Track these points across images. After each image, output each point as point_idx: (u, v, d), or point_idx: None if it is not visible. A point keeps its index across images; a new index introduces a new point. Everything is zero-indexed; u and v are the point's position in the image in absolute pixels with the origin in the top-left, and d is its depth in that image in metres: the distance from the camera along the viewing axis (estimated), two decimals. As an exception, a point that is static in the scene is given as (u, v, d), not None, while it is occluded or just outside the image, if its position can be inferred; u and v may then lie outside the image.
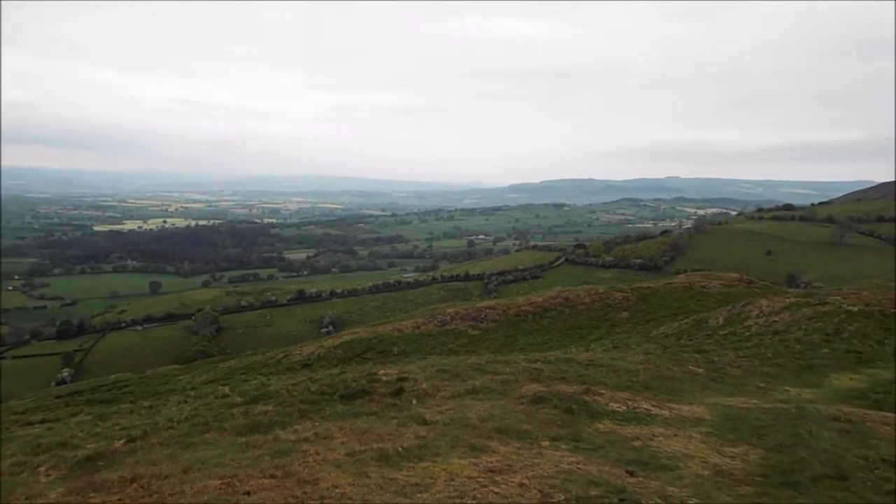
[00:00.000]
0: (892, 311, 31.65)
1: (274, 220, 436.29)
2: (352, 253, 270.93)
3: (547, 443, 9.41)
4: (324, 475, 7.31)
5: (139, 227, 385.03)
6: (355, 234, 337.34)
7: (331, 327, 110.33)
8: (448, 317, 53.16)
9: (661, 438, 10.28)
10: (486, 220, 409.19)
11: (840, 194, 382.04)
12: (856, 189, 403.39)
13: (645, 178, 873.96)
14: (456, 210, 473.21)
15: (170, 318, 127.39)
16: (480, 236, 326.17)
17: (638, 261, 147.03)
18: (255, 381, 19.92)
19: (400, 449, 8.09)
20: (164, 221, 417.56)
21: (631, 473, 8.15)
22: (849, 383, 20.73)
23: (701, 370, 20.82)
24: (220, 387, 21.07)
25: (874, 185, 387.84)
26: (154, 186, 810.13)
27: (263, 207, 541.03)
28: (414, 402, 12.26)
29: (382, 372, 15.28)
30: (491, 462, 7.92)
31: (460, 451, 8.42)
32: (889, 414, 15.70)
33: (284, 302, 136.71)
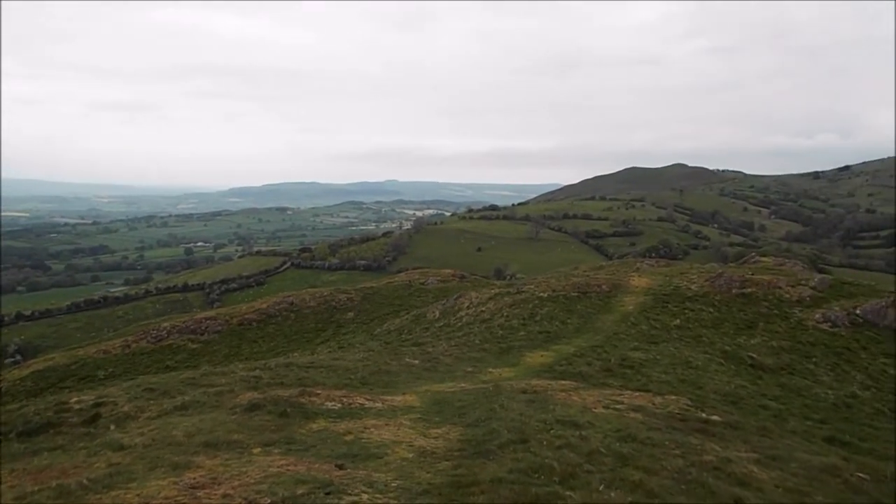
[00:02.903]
0: (574, 294, 37.03)
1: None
2: (43, 268, 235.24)
3: (259, 449, 9.21)
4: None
5: None
6: (47, 246, 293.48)
7: (19, 356, 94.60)
8: (164, 331, 49.17)
9: (372, 430, 10.72)
10: (205, 225, 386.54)
11: (535, 195, 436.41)
12: (547, 191, 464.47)
13: (366, 182, 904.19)
14: (171, 216, 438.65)
15: None
16: (199, 243, 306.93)
17: (363, 262, 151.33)
18: None
19: (85, 481, 7.25)
20: None
21: (340, 467, 8.36)
22: (540, 360, 23.62)
23: (417, 361, 22.13)
24: None
25: (561, 187, 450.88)
26: None
27: None
28: (112, 427, 11.10)
29: (76, 399, 13.56)
30: (194, 478, 7.50)
31: (160, 471, 7.84)
32: (567, 382, 18.35)
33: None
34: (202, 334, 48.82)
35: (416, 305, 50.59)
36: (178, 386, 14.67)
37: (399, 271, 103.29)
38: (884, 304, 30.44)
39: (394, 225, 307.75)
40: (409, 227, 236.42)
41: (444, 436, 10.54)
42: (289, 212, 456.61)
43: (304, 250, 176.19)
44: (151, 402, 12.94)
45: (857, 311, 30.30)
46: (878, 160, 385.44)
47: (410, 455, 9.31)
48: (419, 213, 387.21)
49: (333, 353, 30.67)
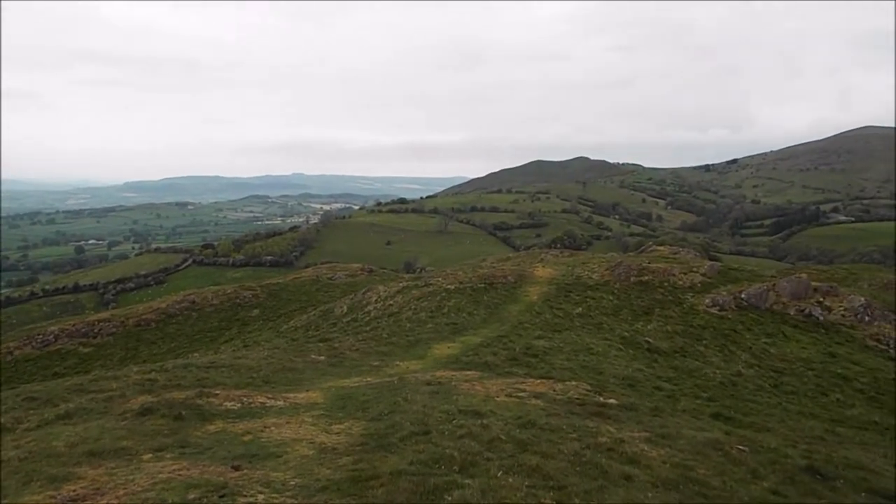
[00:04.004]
0: (481, 286, 37.55)
1: None
2: None
3: (149, 455, 8.77)
4: None
5: None
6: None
7: None
8: (51, 336, 46.13)
9: (273, 429, 10.46)
10: (98, 222, 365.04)
11: (443, 189, 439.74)
12: (455, 184, 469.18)
13: (272, 175, 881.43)
14: (58, 212, 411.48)
15: None
16: (91, 241, 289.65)
17: (269, 257, 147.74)
18: None
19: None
20: None
21: (237, 468, 8.10)
22: (447, 351, 23.78)
23: (322, 357, 21.78)
24: None
25: (469, 180, 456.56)
26: None
27: None
28: (-16, 441, 10.24)
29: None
30: (74, 490, 7.04)
31: (36, 486, 7.31)
32: (472, 372, 18.59)
33: None
34: (95, 337, 46.17)
35: (323, 301, 49.84)
36: (63, 393, 13.77)
37: (307, 266, 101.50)
38: (765, 287, 32.66)
39: (301, 219, 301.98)
40: (316, 221, 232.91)
41: (346, 431, 10.42)
42: (190, 207, 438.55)
43: (206, 247, 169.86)
44: (31, 411, 12.06)
45: (742, 295, 32.34)
46: (762, 154, 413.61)
47: (311, 452, 9.14)
48: (327, 207, 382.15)
49: (237, 351, 29.73)
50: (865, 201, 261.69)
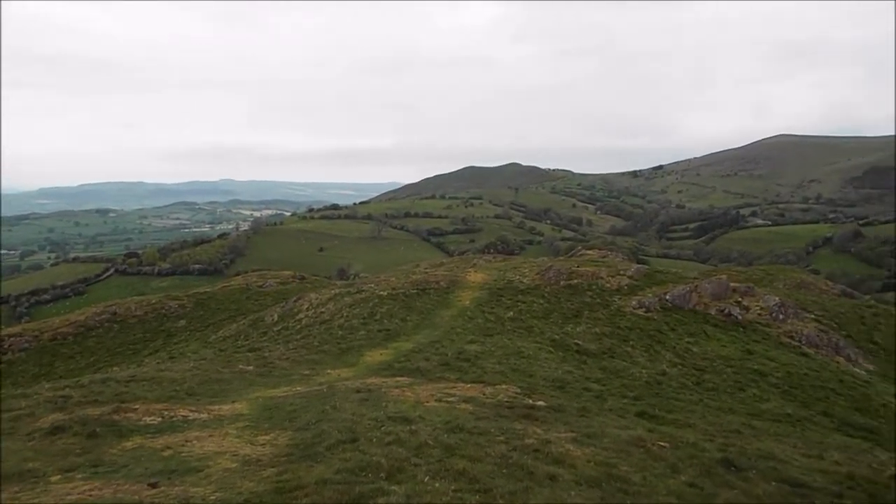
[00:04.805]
0: (414, 292, 37.50)
1: None
2: None
3: (58, 476, 8.33)
4: None
5: None
6: None
7: None
8: (-45, 353, 43.32)
9: (195, 442, 10.12)
10: (10, 231, 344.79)
11: (376, 194, 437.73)
12: (389, 189, 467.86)
13: (198, 181, 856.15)
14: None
15: None
16: (2, 251, 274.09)
17: (197, 266, 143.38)
18: None
19: None
20: None
21: (153, 485, 7.78)
22: (379, 358, 23.65)
23: (251, 368, 21.28)
24: None
25: (402, 185, 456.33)
26: None
27: None
28: None
29: None
30: (-28, 517, 6.62)
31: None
32: (404, 378, 18.54)
33: None
34: (4, 353, 43.64)
35: (254, 310, 48.66)
36: (-35, 414, 12.93)
37: (237, 274, 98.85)
38: (688, 289, 33.91)
39: (230, 226, 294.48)
40: (246, 228, 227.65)
41: (272, 442, 10.19)
42: (111, 214, 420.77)
43: (130, 255, 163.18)
44: (-71, 435, 11.27)
45: (667, 297, 33.46)
46: (686, 160, 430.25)
47: (234, 465, 8.89)
48: (257, 214, 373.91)
49: (161, 364, 28.68)
50: (781, 205, 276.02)
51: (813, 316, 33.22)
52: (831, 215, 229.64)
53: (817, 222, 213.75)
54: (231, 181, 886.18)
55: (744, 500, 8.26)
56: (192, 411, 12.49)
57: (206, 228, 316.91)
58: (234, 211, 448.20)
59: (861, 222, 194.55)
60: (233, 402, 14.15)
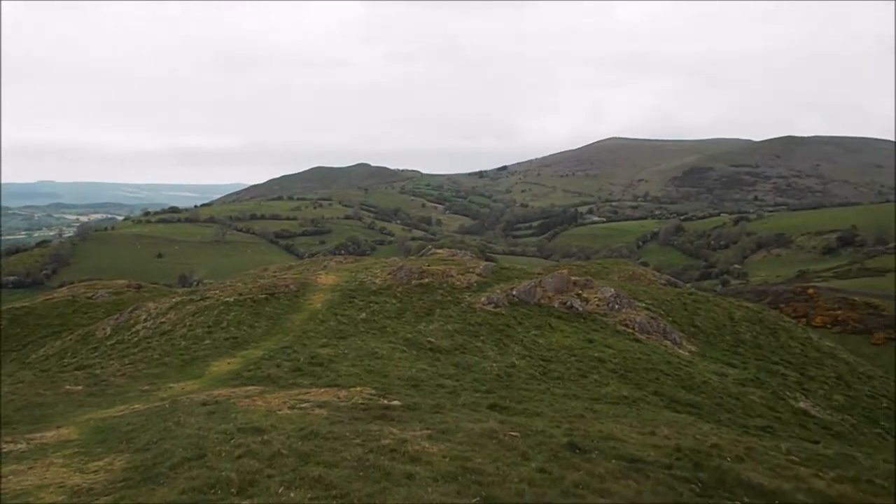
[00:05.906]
0: (262, 296, 36.12)
1: None
2: None
3: None
4: None
5: None
6: None
7: None
8: None
9: (10, 478, 9.00)
10: None
11: (219, 196, 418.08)
12: (233, 191, 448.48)
13: (12, 183, 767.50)
14: None
15: None
16: None
17: (12, 278, 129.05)
18: None
19: None
20: None
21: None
22: (227, 367, 22.56)
23: (80, 387, 19.45)
24: None
25: (247, 187, 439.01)
26: None
27: None
28: None
29: None
30: None
31: None
32: (254, 387, 17.81)
33: None
34: None
35: (82, 323, 44.51)
36: None
37: (61, 285, 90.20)
38: (533, 284, 35.57)
39: (52, 233, 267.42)
40: (72, 234, 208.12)
41: (105, 467, 9.33)
42: None
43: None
44: None
45: (514, 292, 34.88)
46: (528, 161, 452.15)
47: (60, 498, 8.03)
48: (84, 219, 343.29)
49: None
50: (613, 203, 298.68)
51: (644, 304, 36.11)
52: (657, 212, 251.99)
53: (645, 219, 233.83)
54: (52, 183, 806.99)
55: (587, 479, 8.77)
56: (7, 442, 11.12)
57: (21, 235, 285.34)
58: (57, 216, 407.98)
59: (682, 218, 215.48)
60: (58, 427, 12.81)
